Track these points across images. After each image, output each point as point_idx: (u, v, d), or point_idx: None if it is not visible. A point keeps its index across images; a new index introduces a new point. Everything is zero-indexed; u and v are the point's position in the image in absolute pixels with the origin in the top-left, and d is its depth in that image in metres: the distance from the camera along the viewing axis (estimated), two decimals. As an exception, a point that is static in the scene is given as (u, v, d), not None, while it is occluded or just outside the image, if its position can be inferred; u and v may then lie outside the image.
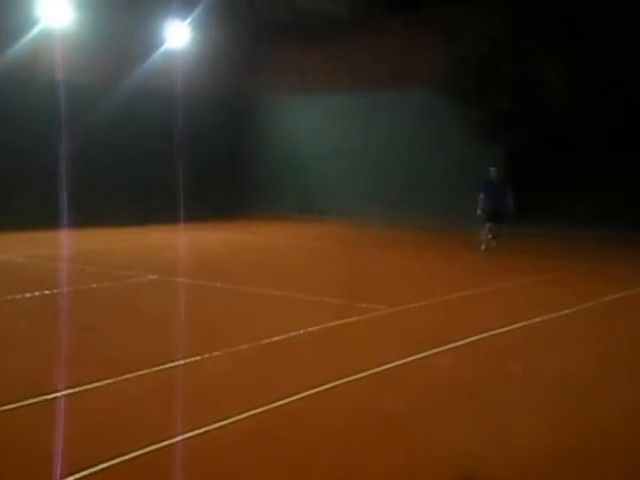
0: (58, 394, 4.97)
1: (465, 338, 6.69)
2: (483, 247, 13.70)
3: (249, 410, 4.67)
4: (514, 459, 4.11)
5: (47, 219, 15.62)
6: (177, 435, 4.23)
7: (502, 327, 7.16)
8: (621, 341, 6.95)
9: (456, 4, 17.63)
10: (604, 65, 15.78)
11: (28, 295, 8.79)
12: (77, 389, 5.10)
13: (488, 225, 13.63)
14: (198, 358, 5.95)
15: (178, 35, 19.52)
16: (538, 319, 7.59)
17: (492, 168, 13.81)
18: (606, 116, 15.99)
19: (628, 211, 15.97)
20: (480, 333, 6.87)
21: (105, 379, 5.30)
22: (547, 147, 16.83)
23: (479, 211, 13.58)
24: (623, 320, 7.92)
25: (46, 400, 4.87)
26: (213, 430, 4.37)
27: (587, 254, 13.70)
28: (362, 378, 5.46)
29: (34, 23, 16.63)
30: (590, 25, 15.81)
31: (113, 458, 3.91)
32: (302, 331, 6.95)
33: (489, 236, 13.69)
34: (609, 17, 15.56)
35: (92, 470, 3.78)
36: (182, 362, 5.81)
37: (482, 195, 13.60)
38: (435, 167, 19.04)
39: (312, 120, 21.45)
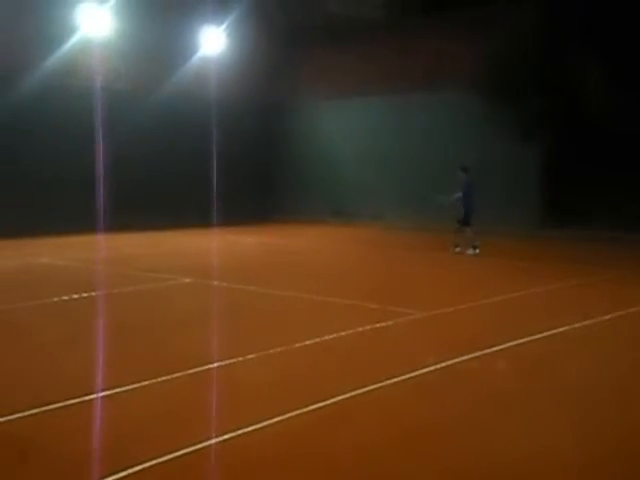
0: (97, 395, 5.07)
1: (500, 344, 6.60)
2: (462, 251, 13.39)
3: (282, 414, 4.69)
4: (551, 469, 4.04)
5: (85, 223, 15.97)
6: (212, 438, 4.27)
7: (539, 333, 7.04)
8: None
9: (488, 4, 17.49)
10: None
11: (73, 297, 8.99)
12: (115, 390, 5.19)
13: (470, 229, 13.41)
14: (233, 361, 6.00)
15: (213, 41, 19.78)
16: (577, 325, 7.46)
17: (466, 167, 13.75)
18: None
19: None
20: (514, 339, 6.78)
21: (142, 381, 5.39)
22: (586, 147, 16.42)
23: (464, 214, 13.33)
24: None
25: (85, 401, 4.97)
26: (248, 433, 4.40)
27: (628, 259, 13.37)
28: (396, 383, 5.43)
29: (73, 31, 17.05)
30: (628, 22, 15.45)
31: (150, 460, 3.97)
32: (335, 335, 6.95)
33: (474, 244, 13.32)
34: None
35: (130, 471, 3.84)
36: (217, 365, 5.87)
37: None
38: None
39: (344, 123, 21.45)
